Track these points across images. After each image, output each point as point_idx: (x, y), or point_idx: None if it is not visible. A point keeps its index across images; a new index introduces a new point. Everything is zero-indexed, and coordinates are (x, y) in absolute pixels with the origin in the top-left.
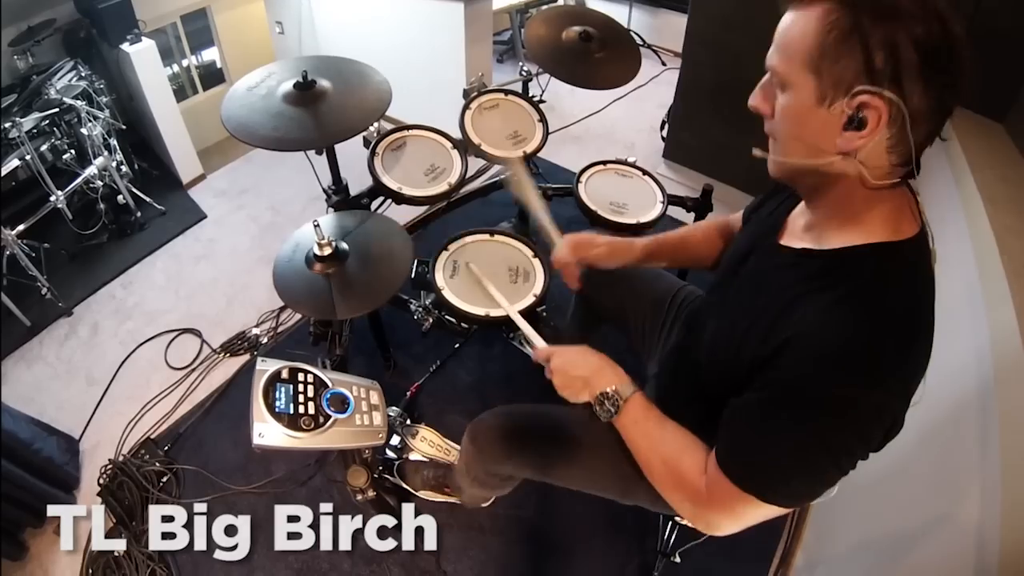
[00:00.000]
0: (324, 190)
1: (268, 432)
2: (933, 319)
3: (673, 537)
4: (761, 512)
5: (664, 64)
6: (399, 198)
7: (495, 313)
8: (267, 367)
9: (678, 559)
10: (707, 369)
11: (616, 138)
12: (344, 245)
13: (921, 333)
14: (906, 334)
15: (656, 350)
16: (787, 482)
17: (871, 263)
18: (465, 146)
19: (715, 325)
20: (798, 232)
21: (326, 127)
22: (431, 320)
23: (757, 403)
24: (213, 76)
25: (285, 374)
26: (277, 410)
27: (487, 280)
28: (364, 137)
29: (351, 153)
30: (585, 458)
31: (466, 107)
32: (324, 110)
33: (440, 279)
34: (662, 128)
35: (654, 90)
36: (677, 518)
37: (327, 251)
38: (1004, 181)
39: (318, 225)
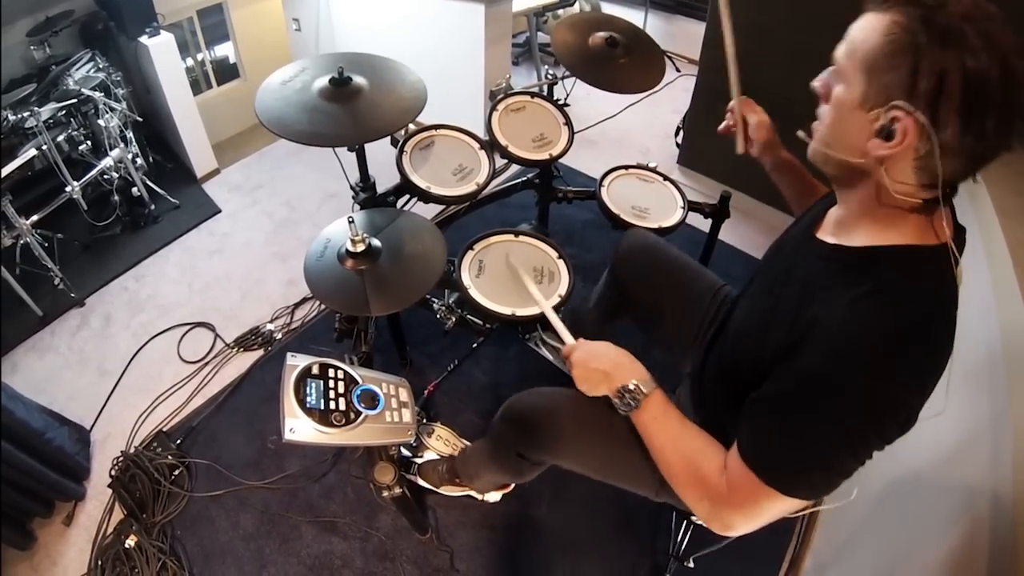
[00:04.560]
0: (351, 187)
1: (299, 427)
2: (955, 324)
3: (687, 540)
4: (780, 507)
5: (679, 70)
6: (427, 197)
7: (521, 312)
8: (298, 362)
9: (691, 564)
10: (736, 357)
11: (631, 143)
12: (377, 242)
13: (941, 334)
14: (925, 333)
15: (692, 348)
16: (808, 473)
17: (898, 263)
18: (492, 147)
19: (745, 309)
20: (831, 227)
21: (362, 124)
22: (454, 319)
23: (778, 395)
24: (227, 71)
25: (316, 370)
26: (308, 405)
27: (525, 274)
28: (391, 135)
29: (374, 150)
30: (625, 447)
31: (493, 108)
32: (360, 107)
33: (466, 278)
34: (677, 134)
35: (669, 96)
36: (694, 518)
37: (360, 247)
38: (1017, 194)
39: (352, 221)
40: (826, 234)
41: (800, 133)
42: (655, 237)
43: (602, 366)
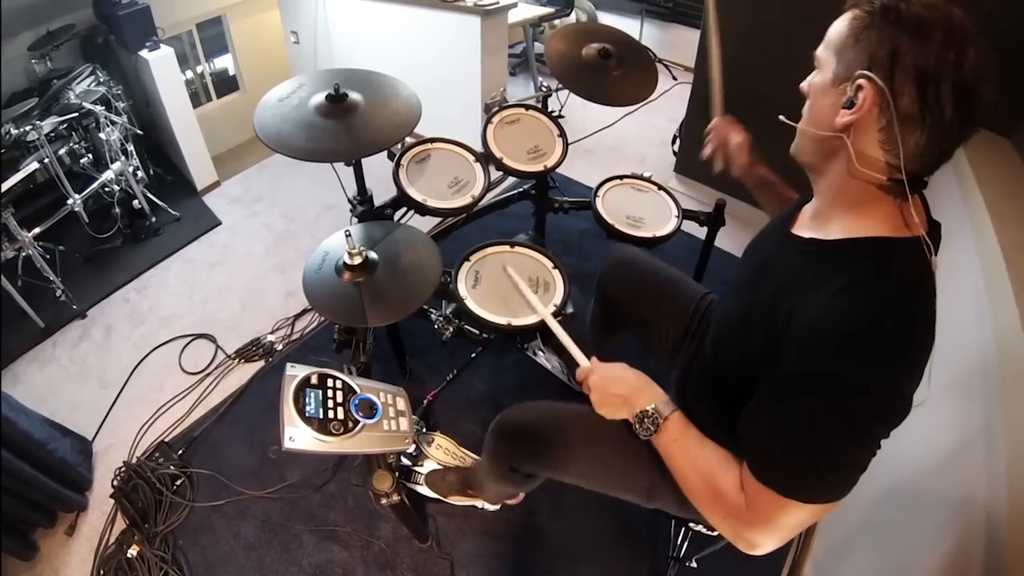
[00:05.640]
0: (349, 200)
1: (299, 436)
2: (935, 312)
3: (686, 543)
4: (803, 516)
5: (675, 79)
6: (424, 210)
7: (518, 322)
8: (297, 372)
9: (694, 564)
10: (718, 359)
11: (628, 152)
12: (374, 255)
13: (923, 320)
14: (908, 319)
15: (679, 358)
16: (823, 476)
17: (873, 253)
18: (487, 159)
19: (725, 308)
20: (807, 222)
21: (358, 139)
22: (452, 329)
23: (773, 404)
24: (226, 83)
25: (315, 379)
26: (307, 415)
27: (526, 288)
28: (388, 149)
29: (371, 163)
30: (611, 457)
31: (488, 121)
32: (355, 123)
33: (463, 289)
34: (673, 142)
35: (665, 104)
36: (692, 524)
37: (358, 260)
38: (1011, 197)
39: (350, 235)
40: (802, 229)
41: (782, 117)
42: (636, 251)
43: (621, 391)
